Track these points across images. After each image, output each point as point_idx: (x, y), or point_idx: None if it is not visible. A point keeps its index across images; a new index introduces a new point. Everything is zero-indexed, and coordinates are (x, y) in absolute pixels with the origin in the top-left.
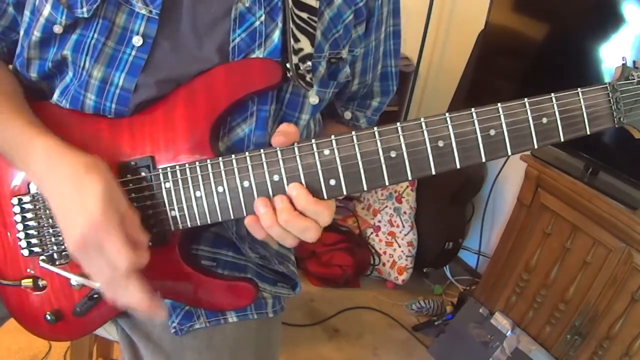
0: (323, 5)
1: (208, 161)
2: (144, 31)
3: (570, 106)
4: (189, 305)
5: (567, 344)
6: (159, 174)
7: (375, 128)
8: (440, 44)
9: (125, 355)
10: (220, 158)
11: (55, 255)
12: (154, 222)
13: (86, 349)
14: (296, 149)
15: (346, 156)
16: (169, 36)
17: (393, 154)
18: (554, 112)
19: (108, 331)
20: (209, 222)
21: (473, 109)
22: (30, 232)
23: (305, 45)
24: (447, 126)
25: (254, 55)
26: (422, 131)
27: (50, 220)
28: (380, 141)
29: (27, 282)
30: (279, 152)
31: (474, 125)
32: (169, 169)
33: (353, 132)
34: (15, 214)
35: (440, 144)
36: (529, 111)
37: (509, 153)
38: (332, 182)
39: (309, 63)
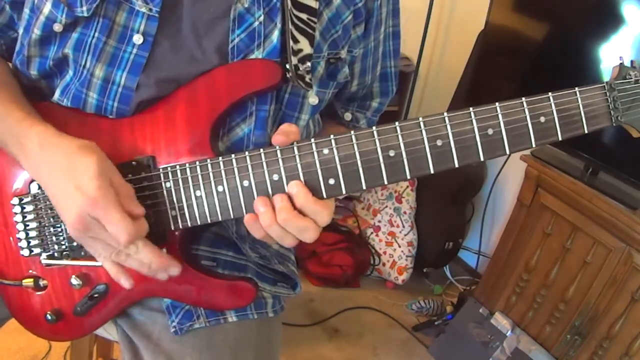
0: (322, 5)
1: (208, 161)
2: (144, 29)
3: (567, 105)
4: (188, 304)
5: (567, 344)
6: (159, 174)
7: (374, 127)
8: (440, 44)
9: (125, 355)
10: (220, 158)
11: (55, 255)
12: (154, 221)
13: (86, 349)
14: (295, 148)
15: (345, 155)
16: (169, 35)
17: (392, 153)
18: (552, 111)
19: (108, 331)
20: (209, 221)
21: (471, 108)
22: (30, 232)
23: (305, 46)
24: (446, 125)
25: (252, 56)
26: (421, 130)
27: (51, 220)
28: (379, 140)
29: (28, 282)
30: (278, 151)
31: (472, 125)
32: (169, 168)
33: (352, 132)
34: (16, 214)
35: (439, 143)
36: (526, 110)
37: (507, 152)
38: (331, 181)
39: (309, 64)
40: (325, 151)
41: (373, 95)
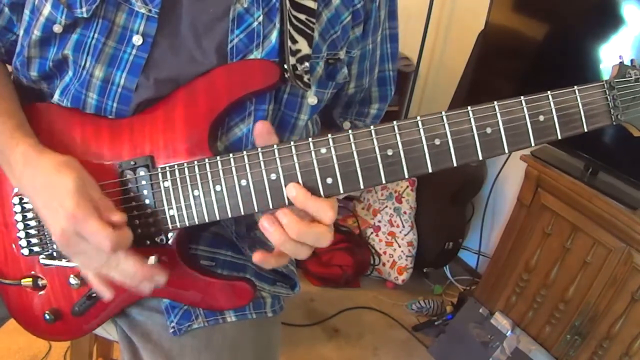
0: (321, 6)
1: (206, 160)
2: (143, 30)
3: (567, 104)
4: (187, 304)
5: (567, 344)
6: (157, 173)
7: (372, 127)
8: (440, 44)
9: (124, 355)
10: (218, 157)
11: (54, 254)
12: (153, 221)
13: (86, 349)
14: (293, 147)
15: (343, 155)
16: (169, 35)
17: (390, 152)
18: (551, 109)
19: (108, 331)
20: (207, 220)
21: (469, 107)
22: (30, 231)
23: (303, 46)
24: (444, 124)
25: (251, 56)
26: (419, 129)
27: None
28: (377, 140)
29: (26, 282)
30: (276, 151)
31: (471, 124)
32: (167, 168)
33: (350, 131)
34: (16, 213)
35: (437, 142)
36: (525, 109)
37: (506, 151)
38: (329, 180)
39: (307, 64)
40: (323, 150)
41: (371, 100)
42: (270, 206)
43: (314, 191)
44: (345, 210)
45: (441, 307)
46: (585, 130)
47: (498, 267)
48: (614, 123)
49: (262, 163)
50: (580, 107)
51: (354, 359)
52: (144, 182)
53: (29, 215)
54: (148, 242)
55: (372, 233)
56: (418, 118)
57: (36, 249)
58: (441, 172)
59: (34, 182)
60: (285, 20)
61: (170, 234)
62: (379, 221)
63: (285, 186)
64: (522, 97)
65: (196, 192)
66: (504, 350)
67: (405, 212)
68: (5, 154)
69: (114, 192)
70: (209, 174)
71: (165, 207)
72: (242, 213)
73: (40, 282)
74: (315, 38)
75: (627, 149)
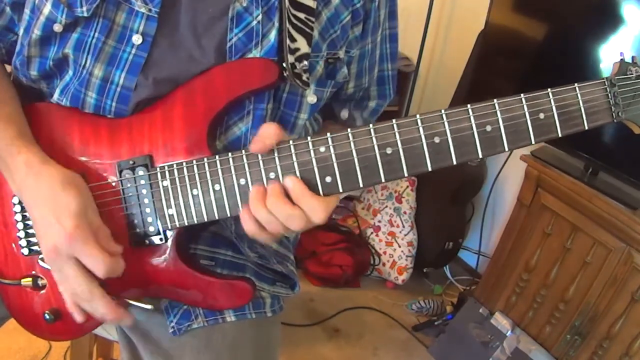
0: (320, 5)
1: (205, 160)
2: (143, 29)
3: (567, 101)
4: (187, 304)
5: (567, 344)
6: (156, 173)
7: (371, 125)
8: (440, 44)
9: (124, 354)
10: (217, 156)
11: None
12: (152, 220)
13: (86, 349)
14: (292, 146)
15: (342, 153)
16: (168, 35)
17: (389, 151)
18: (551, 107)
19: (108, 331)
20: (206, 219)
21: (469, 105)
22: (30, 231)
23: (302, 45)
24: (443, 122)
25: (250, 55)
26: (418, 128)
27: None
28: (376, 138)
29: (26, 281)
30: (275, 150)
31: (470, 121)
32: (166, 167)
33: (349, 130)
34: (16, 213)
35: (436, 140)
36: (525, 107)
37: (506, 149)
38: (328, 179)
39: (305, 62)
40: (322, 149)
41: (370, 97)
42: None
43: (313, 190)
44: (345, 210)
45: (441, 307)
46: (586, 127)
47: (498, 267)
48: (615, 120)
49: (261, 162)
50: (581, 104)
51: (354, 359)
52: (142, 182)
53: (29, 215)
54: (147, 242)
55: (372, 233)
56: (417, 116)
57: (36, 248)
58: (441, 171)
59: (36, 193)
60: (284, 19)
61: (169, 234)
62: (379, 221)
63: (283, 180)
64: (522, 95)
65: (195, 192)
66: (504, 350)
67: (405, 212)
68: (6, 161)
69: (113, 192)
70: (207, 173)
71: (164, 207)
72: (241, 212)
73: (40, 282)
74: (314, 37)
75: (628, 148)
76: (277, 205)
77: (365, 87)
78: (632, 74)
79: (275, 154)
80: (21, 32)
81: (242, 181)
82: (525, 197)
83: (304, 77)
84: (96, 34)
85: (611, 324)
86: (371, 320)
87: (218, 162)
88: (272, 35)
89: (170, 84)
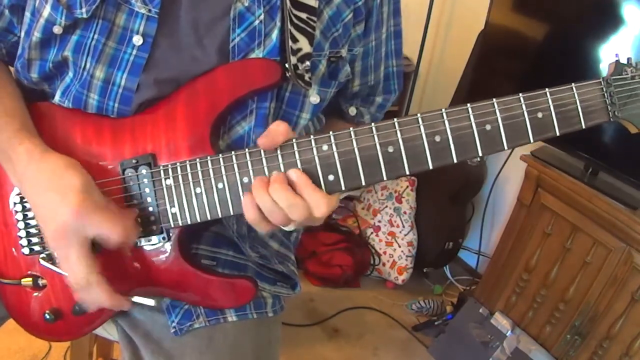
0: (322, 4)
1: (208, 158)
2: (143, 30)
3: (564, 100)
4: (188, 304)
5: (567, 344)
6: (159, 171)
7: (373, 124)
8: (440, 44)
9: (125, 354)
10: (220, 155)
11: (54, 254)
12: (154, 219)
13: (86, 349)
14: (295, 144)
15: (344, 151)
16: (169, 35)
17: (390, 149)
18: (549, 106)
19: (108, 331)
20: (209, 218)
21: (469, 104)
22: (31, 230)
23: (304, 45)
24: (444, 121)
25: (253, 55)
26: (419, 126)
27: None
28: (378, 136)
29: (26, 281)
30: (277, 148)
31: (470, 120)
32: (169, 166)
33: (351, 128)
34: (17, 212)
35: (437, 138)
36: (524, 106)
37: (506, 147)
38: (331, 177)
39: (308, 63)
40: (325, 147)
41: (376, 93)
42: None
43: None
44: (345, 210)
45: (441, 307)
46: (584, 126)
47: (498, 267)
48: (611, 120)
49: (264, 160)
50: (578, 103)
51: (354, 359)
52: (145, 181)
53: (30, 214)
54: (150, 241)
55: (372, 233)
56: (418, 115)
57: (37, 248)
58: (441, 171)
59: (38, 178)
60: (286, 19)
61: (172, 233)
62: (379, 221)
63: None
64: (520, 94)
65: (198, 190)
66: (504, 350)
67: (405, 212)
68: (7, 152)
69: (116, 190)
70: (210, 171)
71: (167, 205)
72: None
73: (40, 282)
74: (316, 36)
75: (627, 148)
76: (281, 192)
77: (372, 84)
78: (627, 75)
79: (278, 152)
80: (22, 35)
81: (245, 179)
82: (525, 197)
83: (307, 78)
84: (96, 36)
85: (611, 324)
86: (371, 320)
87: (221, 160)
88: (275, 34)
89: (172, 84)
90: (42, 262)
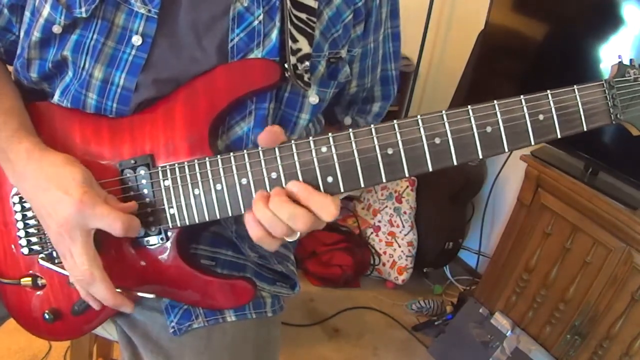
0: (322, 4)
1: (206, 159)
2: (143, 30)
3: (566, 103)
4: (187, 304)
5: (567, 344)
6: (158, 172)
7: (372, 125)
8: (440, 44)
9: (124, 354)
10: (218, 156)
11: (54, 254)
12: (153, 220)
13: (86, 349)
14: (294, 146)
15: (343, 153)
16: (169, 35)
17: (390, 151)
18: (551, 108)
19: (107, 331)
20: (207, 219)
21: (469, 106)
22: (30, 230)
23: (304, 46)
24: (444, 123)
25: (252, 55)
26: (419, 128)
27: None
28: (377, 138)
29: (26, 281)
30: (276, 150)
31: (471, 122)
32: (168, 167)
33: (350, 130)
34: (16, 212)
35: (437, 140)
36: (525, 108)
37: (506, 150)
38: (330, 179)
39: (307, 63)
40: (324, 149)
41: (374, 98)
42: None
43: None
44: (345, 210)
45: (441, 307)
46: (585, 129)
47: (498, 267)
48: (614, 122)
49: (262, 162)
50: (580, 106)
51: (354, 359)
52: (144, 181)
53: (29, 214)
54: (148, 242)
55: (372, 233)
56: (418, 117)
57: (36, 247)
58: (441, 171)
59: (38, 176)
60: (285, 19)
61: (170, 233)
62: (379, 221)
63: (286, 184)
64: (522, 96)
65: (197, 191)
66: (504, 350)
67: (405, 212)
68: (5, 152)
69: (114, 191)
70: (209, 172)
71: (166, 206)
72: (243, 212)
73: (39, 282)
74: (316, 37)
75: (627, 149)
76: (280, 205)
77: (368, 86)
78: (630, 77)
79: (277, 154)
80: (21, 34)
81: (244, 181)
82: (525, 197)
83: (306, 78)
84: (95, 35)
85: (611, 324)
86: (371, 320)
87: (220, 161)
88: (274, 35)
89: (171, 84)
90: (41, 262)
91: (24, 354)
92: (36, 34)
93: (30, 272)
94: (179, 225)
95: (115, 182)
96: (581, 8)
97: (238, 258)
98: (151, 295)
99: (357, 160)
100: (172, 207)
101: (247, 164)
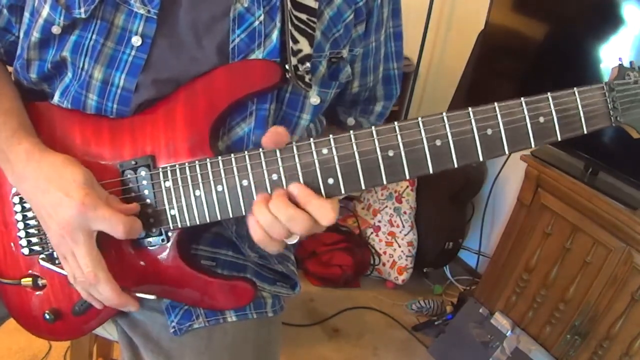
0: (323, 4)
1: (207, 160)
2: (142, 31)
3: (567, 105)
4: (187, 305)
5: (567, 344)
6: (159, 173)
7: (373, 127)
8: (440, 44)
9: (124, 354)
10: (219, 157)
11: (55, 254)
12: (154, 221)
13: (86, 349)
14: (295, 148)
15: (344, 155)
16: (168, 36)
17: (391, 153)
18: (551, 111)
19: (108, 331)
20: (208, 221)
21: (470, 108)
22: (30, 231)
23: (304, 46)
24: (445, 125)
25: (253, 56)
26: (420, 130)
27: None
28: (378, 140)
29: (26, 281)
30: (277, 151)
31: (471, 125)
32: (168, 168)
33: (351, 132)
34: (16, 212)
35: (438, 143)
36: (525, 110)
37: (507, 152)
38: (330, 181)
39: (308, 64)
40: (325, 151)
41: (377, 98)
42: None
43: (315, 192)
44: (345, 210)
45: (441, 307)
46: (585, 132)
47: (498, 267)
48: (614, 125)
49: (263, 163)
50: (580, 108)
51: (354, 359)
52: (144, 182)
53: (29, 214)
54: (149, 242)
55: (372, 233)
56: (419, 119)
57: (36, 248)
58: (441, 172)
59: (38, 177)
60: (286, 19)
61: (171, 234)
62: (379, 221)
63: (287, 186)
64: (522, 99)
65: (197, 192)
66: (504, 350)
67: (405, 212)
68: (5, 152)
69: (115, 192)
70: (210, 173)
71: (167, 207)
72: (244, 213)
73: (40, 282)
74: (317, 37)
75: (627, 149)
76: (280, 207)
77: (370, 86)
78: (630, 79)
79: (278, 155)
80: (21, 35)
81: (245, 182)
82: (525, 197)
83: (307, 79)
84: (94, 36)
85: (611, 324)
86: (371, 320)
87: (220, 162)
88: (275, 35)
89: (172, 85)
90: (41, 262)
91: (24, 354)
92: (35, 35)
93: (31, 272)
94: (179, 226)
95: (116, 183)
96: (581, 8)
97: (238, 258)
98: (152, 297)
99: (357, 162)
100: (172, 208)
101: (248, 165)
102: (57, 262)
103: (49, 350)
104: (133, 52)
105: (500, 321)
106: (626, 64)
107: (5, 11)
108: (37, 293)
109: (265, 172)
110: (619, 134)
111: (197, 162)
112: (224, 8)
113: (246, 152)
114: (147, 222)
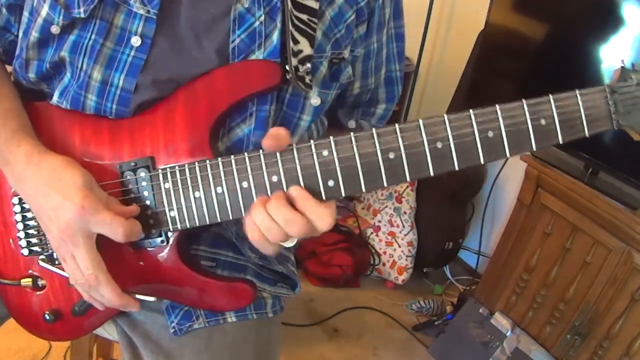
0: (324, 5)
1: (207, 162)
2: (142, 31)
3: (568, 108)
4: (187, 305)
5: (567, 344)
6: (158, 174)
7: (374, 129)
8: (440, 44)
9: (124, 354)
10: (219, 159)
11: (54, 255)
12: (153, 222)
13: (86, 349)
14: (295, 150)
15: (345, 157)
16: (168, 36)
17: (391, 156)
18: (553, 113)
19: (108, 331)
20: (208, 222)
21: (471, 111)
22: (30, 231)
23: (305, 47)
24: (446, 127)
25: (253, 56)
26: (421, 132)
27: None
28: (379, 142)
29: (26, 282)
30: (277, 153)
31: (472, 127)
32: (168, 169)
33: (352, 134)
34: (16, 213)
35: (439, 145)
36: (527, 113)
37: (508, 155)
38: (331, 183)
39: (309, 65)
40: (325, 153)
41: (378, 100)
42: None
43: (315, 194)
44: (345, 210)
45: (441, 307)
46: (587, 134)
47: (498, 267)
48: (615, 127)
49: (263, 165)
50: (582, 111)
51: (354, 359)
52: (144, 183)
53: (29, 215)
54: (148, 244)
55: (372, 233)
56: (420, 121)
57: (36, 249)
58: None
59: (37, 180)
60: (286, 20)
61: (170, 235)
62: (379, 221)
63: (287, 189)
64: (523, 101)
65: (197, 194)
66: (504, 350)
67: (405, 212)
68: (4, 154)
69: (115, 193)
70: (210, 175)
71: (166, 209)
72: (244, 215)
73: (40, 282)
74: (318, 38)
75: (628, 149)
76: (277, 209)
77: (372, 88)
78: (632, 82)
79: (278, 157)
80: (20, 35)
81: (245, 184)
82: (525, 197)
83: (307, 80)
84: (93, 36)
85: (611, 324)
86: (371, 320)
87: (220, 164)
88: (275, 36)
89: (171, 85)
90: (41, 263)
91: (24, 354)
92: (34, 34)
93: (31, 272)
94: (179, 227)
95: (116, 184)
96: (581, 8)
97: (238, 259)
98: (152, 299)
99: (358, 164)
100: (172, 209)
101: (248, 167)
102: (56, 263)
103: (49, 350)
104: (132, 53)
105: (500, 321)
106: (627, 65)
107: (4, 10)
108: (37, 293)
109: (265, 173)
110: (619, 135)
111: (196, 163)
112: (224, 8)
113: (246, 154)
114: (147, 224)
